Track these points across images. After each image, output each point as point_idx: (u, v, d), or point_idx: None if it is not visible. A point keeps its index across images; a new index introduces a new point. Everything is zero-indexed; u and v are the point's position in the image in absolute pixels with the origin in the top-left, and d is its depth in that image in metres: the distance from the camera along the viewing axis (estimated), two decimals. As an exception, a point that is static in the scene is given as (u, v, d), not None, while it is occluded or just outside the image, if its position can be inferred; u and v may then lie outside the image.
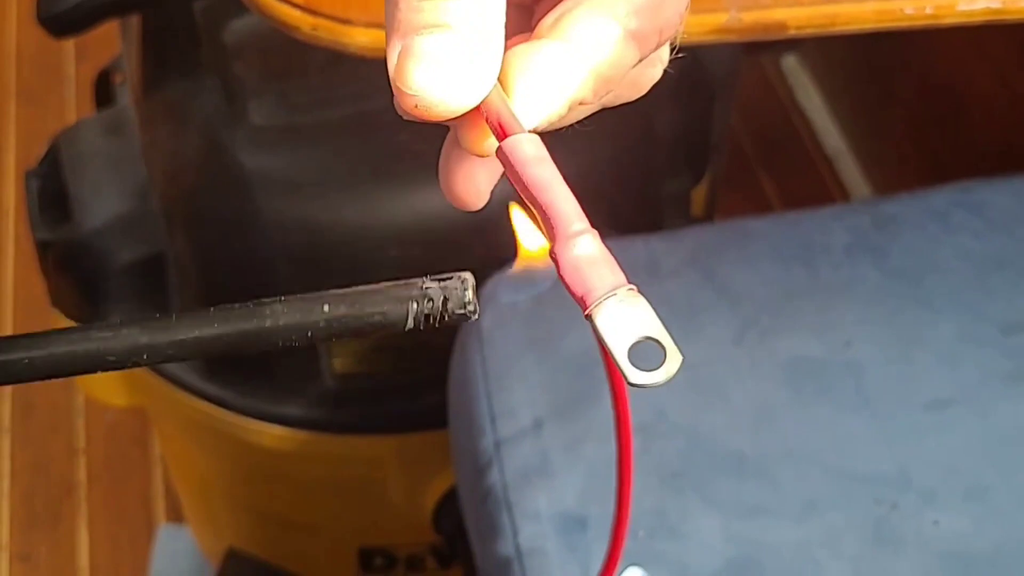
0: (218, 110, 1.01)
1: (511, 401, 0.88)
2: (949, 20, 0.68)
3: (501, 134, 0.38)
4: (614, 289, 0.37)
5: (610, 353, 0.36)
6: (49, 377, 0.41)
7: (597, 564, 0.81)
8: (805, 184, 1.74)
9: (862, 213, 0.99)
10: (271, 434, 1.11)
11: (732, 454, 0.85)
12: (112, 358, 0.40)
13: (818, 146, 1.77)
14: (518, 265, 0.45)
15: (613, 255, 0.37)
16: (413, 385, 1.10)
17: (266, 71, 1.03)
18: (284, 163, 1.01)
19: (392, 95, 0.38)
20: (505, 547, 0.83)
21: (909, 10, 0.68)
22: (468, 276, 0.40)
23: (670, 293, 0.92)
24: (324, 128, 1.02)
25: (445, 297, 0.40)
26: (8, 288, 1.71)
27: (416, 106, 0.37)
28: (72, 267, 1.09)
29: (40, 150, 1.16)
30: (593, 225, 0.37)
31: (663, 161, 1.10)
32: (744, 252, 0.96)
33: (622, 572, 0.80)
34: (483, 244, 1.03)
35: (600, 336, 0.36)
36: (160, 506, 1.51)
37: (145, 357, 0.41)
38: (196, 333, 0.41)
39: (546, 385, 0.88)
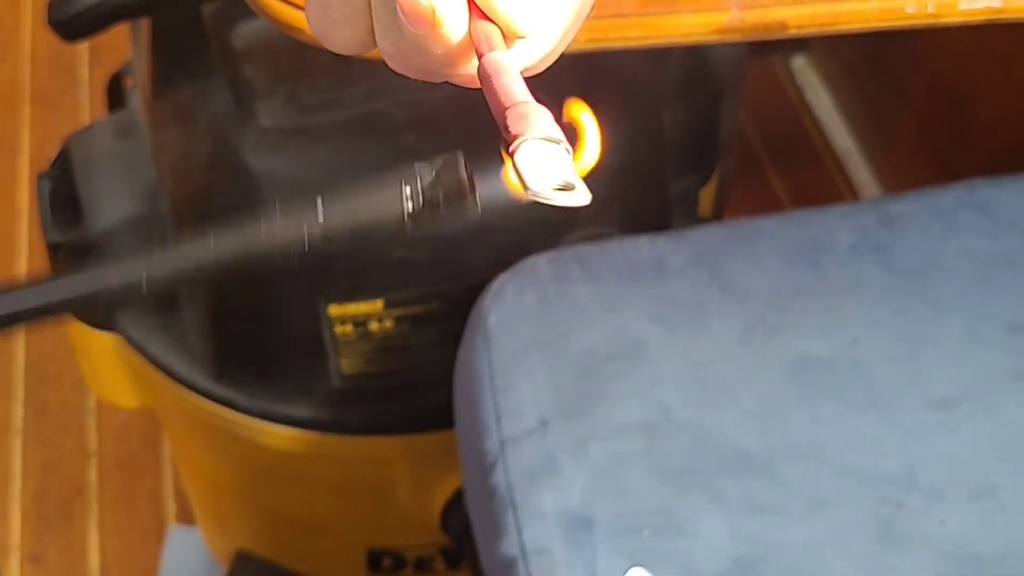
0: (227, 112, 1.02)
1: (517, 400, 0.88)
2: (950, 19, 0.68)
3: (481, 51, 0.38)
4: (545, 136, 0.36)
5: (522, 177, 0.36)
6: (56, 316, 0.43)
7: (603, 564, 0.81)
8: (815, 184, 1.74)
9: (867, 212, 0.99)
10: (279, 435, 1.11)
11: (739, 452, 0.85)
12: (113, 293, 0.42)
13: (828, 146, 1.77)
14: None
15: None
16: (420, 385, 1.10)
17: (274, 73, 1.03)
18: (292, 164, 1.02)
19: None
20: (510, 547, 0.83)
21: (910, 9, 0.68)
22: (457, 153, 0.40)
23: (676, 292, 0.92)
24: (332, 129, 1.02)
25: (437, 174, 0.40)
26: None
27: None
28: (83, 268, 1.10)
29: (53, 153, 1.16)
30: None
31: (671, 161, 1.10)
32: (750, 251, 0.96)
33: (626, 572, 0.80)
34: (491, 248, 1.03)
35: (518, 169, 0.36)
36: (171, 507, 1.52)
37: (145, 289, 0.42)
38: (195, 263, 0.42)
39: (552, 384, 0.89)
